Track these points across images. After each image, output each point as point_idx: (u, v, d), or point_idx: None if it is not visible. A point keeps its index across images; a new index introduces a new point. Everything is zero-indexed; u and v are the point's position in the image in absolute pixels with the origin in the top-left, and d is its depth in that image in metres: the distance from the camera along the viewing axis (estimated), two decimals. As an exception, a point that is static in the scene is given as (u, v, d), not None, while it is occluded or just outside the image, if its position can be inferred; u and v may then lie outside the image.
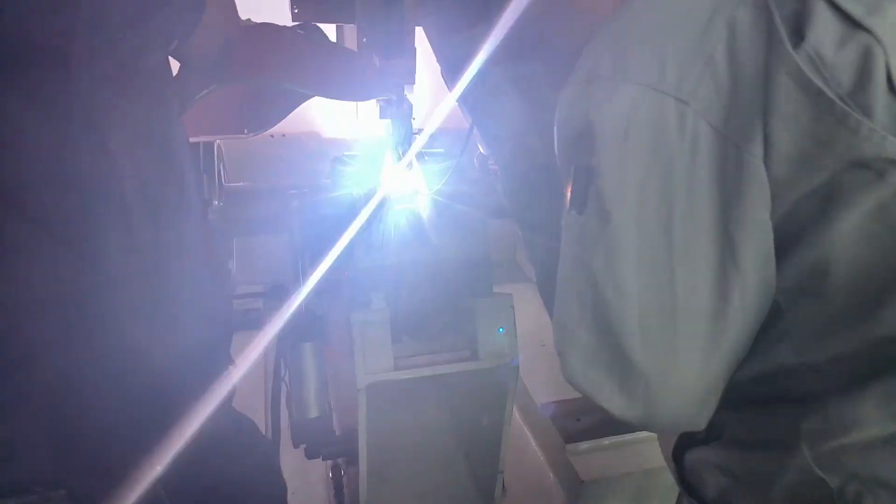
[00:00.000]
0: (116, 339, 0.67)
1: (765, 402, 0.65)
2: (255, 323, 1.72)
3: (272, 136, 1.76)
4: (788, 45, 0.52)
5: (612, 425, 1.42)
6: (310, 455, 1.19)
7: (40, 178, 0.57)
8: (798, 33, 0.53)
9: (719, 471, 0.71)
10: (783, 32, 0.53)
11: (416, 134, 1.30)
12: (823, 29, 0.52)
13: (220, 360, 0.83)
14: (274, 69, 0.90)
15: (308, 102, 1.81)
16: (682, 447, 0.77)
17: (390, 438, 1.25)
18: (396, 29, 1.20)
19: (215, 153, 1.20)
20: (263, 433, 1.32)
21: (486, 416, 1.23)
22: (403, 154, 1.28)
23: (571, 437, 1.40)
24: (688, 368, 0.61)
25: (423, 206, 1.27)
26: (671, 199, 0.59)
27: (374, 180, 1.29)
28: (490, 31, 0.88)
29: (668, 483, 1.43)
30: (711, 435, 0.71)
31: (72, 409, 0.65)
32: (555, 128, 0.68)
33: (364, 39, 1.24)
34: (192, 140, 1.02)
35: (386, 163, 1.31)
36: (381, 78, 1.09)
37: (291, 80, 0.91)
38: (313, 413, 1.17)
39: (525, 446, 1.49)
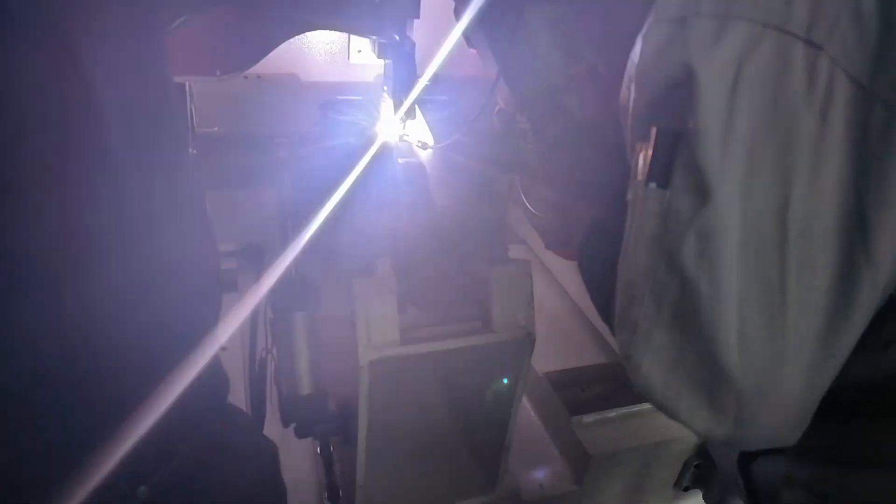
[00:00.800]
0: (95, 311, 0.53)
1: (875, 414, 0.55)
2: (228, 285, 1.57)
3: (245, 76, 1.57)
4: None
5: (619, 396, 1.36)
6: (300, 434, 1.08)
7: None
8: None
9: (805, 489, 0.62)
10: None
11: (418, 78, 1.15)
12: None
13: (211, 340, 0.69)
14: None
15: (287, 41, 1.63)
16: (749, 456, 0.68)
17: (389, 415, 1.14)
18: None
19: (188, 94, 1.02)
20: (245, 409, 1.20)
21: (493, 390, 1.14)
22: (404, 100, 1.13)
23: (576, 409, 1.33)
24: (793, 379, 0.50)
25: (429, 161, 1.14)
26: (791, 170, 0.47)
27: (372, 130, 1.15)
28: None
29: (672, 454, 1.38)
30: (796, 447, 0.62)
31: (38, 396, 0.51)
32: (633, 78, 0.56)
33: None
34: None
35: (385, 110, 1.16)
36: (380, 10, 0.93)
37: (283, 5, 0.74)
38: (306, 389, 1.05)
39: (527, 419, 1.41)
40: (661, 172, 0.52)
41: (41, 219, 0.47)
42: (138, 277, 0.53)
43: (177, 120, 0.58)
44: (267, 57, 1.59)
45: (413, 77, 1.13)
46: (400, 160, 1.09)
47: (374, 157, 1.06)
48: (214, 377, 0.71)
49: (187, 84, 1.06)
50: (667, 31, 0.51)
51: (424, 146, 1.07)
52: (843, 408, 0.57)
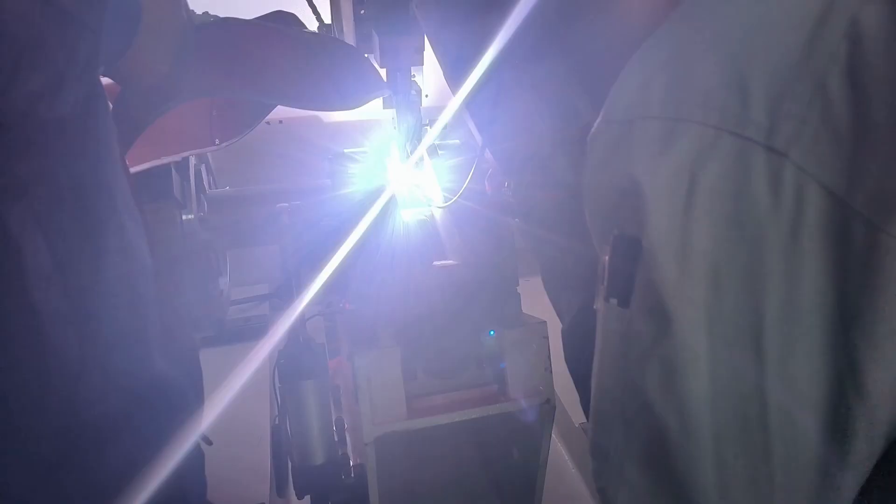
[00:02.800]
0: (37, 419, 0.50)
1: None
2: (258, 332, 1.58)
3: (268, 122, 1.57)
4: None
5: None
6: (317, 505, 1.04)
7: None
8: None
9: None
10: None
11: (426, 125, 1.10)
12: None
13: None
14: (241, 78, 0.70)
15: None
16: None
17: (404, 488, 1.10)
18: (398, -3, 0.99)
19: (190, 163, 1.01)
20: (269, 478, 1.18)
21: (518, 453, 1.07)
22: (413, 150, 1.08)
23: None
24: None
25: (438, 213, 1.08)
26: (761, 294, 0.40)
27: (380, 182, 1.10)
28: (501, 23, 0.66)
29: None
30: None
31: None
32: (585, 180, 0.49)
33: (361, 11, 1.03)
34: (155, 163, 0.84)
35: (392, 160, 1.12)
36: (374, 74, 0.88)
37: (263, 91, 0.70)
38: (319, 459, 1.01)
39: (564, 473, 1.33)
40: (621, 288, 0.46)
41: None
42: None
43: (125, 230, 0.54)
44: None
45: (419, 126, 1.08)
46: (407, 214, 1.04)
47: (380, 214, 1.01)
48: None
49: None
50: (615, 135, 0.45)
51: (430, 203, 1.02)
52: None
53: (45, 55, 0.42)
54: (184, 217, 1.03)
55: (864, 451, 0.40)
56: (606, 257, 0.47)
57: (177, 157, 0.86)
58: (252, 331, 1.54)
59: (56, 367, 0.48)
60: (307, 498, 1.04)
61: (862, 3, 0.37)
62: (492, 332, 0.95)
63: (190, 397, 0.67)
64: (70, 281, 0.48)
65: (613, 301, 0.46)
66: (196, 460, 0.70)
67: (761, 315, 0.40)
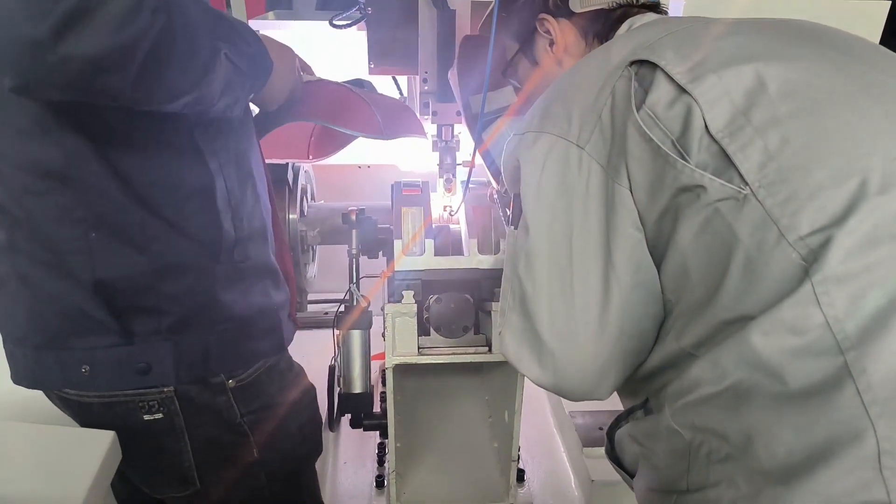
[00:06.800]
0: (216, 286, 0.96)
1: (660, 385, 0.79)
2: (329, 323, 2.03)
3: (359, 166, 2.09)
4: (634, 106, 0.71)
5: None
6: (353, 425, 1.43)
7: (167, 190, 0.90)
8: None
9: (632, 440, 0.86)
10: (633, 97, 0.71)
11: (459, 164, 1.54)
12: (659, 93, 0.70)
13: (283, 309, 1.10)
14: (324, 113, 1.19)
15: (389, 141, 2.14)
16: (613, 427, 0.92)
17: (415, 414, 1.46)
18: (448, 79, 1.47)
19: (299, 177, 1.52)
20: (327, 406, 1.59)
21: (507, 411, 1.41)
22: (448, 182, 1.53)
23: (592, 443, 1.53)
24: (584, 347, 0.77)
25: (461, 223, 1.50)
26: (572, 218, 0.76)
27: (422, 202, 1.55)
28: (498, 96, 1.13)
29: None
30: (631, 415, 0.86)
31: (189, 336, 0.95)
32: (503, 165, 0.90)
33: (425, 87, 1.52)
34: (269, 160, 1.35)
35: (437, 188, 1.56)
36: (411, 120, 1.36)
37: (335, 121, 1.20)
38: (357, 389, 1.41)
39: (553, 446, 1.63)
40: (515, 219, 0.85)
41: (178, 244, 0.92)
42: (230, 273, 0.97)
43: (257, 186, 1.02)
44: (375, 151, 2.10)
45: (454, 165, 1.53)
46: (435, 225, 1.47)
47: (418, 221, 1.45)
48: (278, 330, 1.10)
49: (301, 171, 1.56)
50: (515, 140, 0.85)
51: (452, 212, 1.45)
52: (653, 383, 0.81)
53: (231, 90, 0.90)
54: (289, 216, 1.52)
55: (617, 301, 0.74)
56: (510, 207, 0.87)
57: (284, 161, 1.35)
58: (325, 322, 2.00)
59: (224, 239, 0.94)
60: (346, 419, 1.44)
61: (617, 79, 0.76)
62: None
63: (286, 289, 1.11)
64: (232, 200, 0.95)
65: (511, 227, 0.85)
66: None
67: (572, 230, 0.76)
